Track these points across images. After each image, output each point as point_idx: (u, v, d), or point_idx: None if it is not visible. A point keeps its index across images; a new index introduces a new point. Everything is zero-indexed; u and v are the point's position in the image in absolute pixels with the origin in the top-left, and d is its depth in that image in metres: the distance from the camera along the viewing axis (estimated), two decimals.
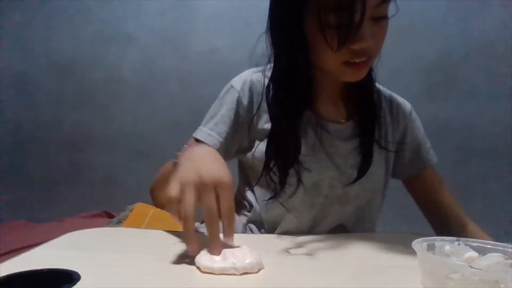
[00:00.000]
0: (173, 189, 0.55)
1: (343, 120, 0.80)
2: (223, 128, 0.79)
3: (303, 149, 0.75)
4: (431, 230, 0.87)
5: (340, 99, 0.81)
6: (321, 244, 0.67)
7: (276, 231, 0.80)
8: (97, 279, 0.49)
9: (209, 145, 0.75)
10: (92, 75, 2.15)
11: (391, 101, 0.86)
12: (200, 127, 0.81)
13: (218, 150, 0.73)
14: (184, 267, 0.55)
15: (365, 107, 0.79)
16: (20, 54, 2.18)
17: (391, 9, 0.69)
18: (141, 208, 1.64)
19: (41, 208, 2.12)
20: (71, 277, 0.41)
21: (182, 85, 2.09)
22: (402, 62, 1.98)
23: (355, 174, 0.77)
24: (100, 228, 0.87)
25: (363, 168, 0.77)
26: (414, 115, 0.89)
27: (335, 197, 0.78)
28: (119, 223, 1.58)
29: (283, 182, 0.75)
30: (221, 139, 0.78)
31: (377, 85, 0.85)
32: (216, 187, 0.54)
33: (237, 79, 0.82)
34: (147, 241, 0.71)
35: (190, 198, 0.53)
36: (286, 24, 0.70)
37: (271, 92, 0.77)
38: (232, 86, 0.81)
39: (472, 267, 0.42)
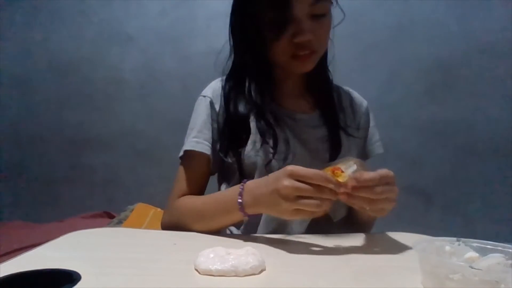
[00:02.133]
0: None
1: (309, 111, 0.87)
2: (208, 133, 0.83)
3: (272, 140, 0.80)
4: (431, 230, 0.87)
5: (303, 92, 0.89)
6: (322, 244, 0.67)
7: (259, 226, 0.82)
8: (98, 279, 0.49)
9: (200, 152, 0.81)
10: (92, 75, 2.15)
11: (350, 96, 0.94)
12: (185, 141, 0.84)
13: (209, 154, 0.81)
14: (184, 267, 0.55)
15: (327, 98, 0.88)
16: (21, 55, 2.18)
17: (339, 15, 0.81)
18: (142, 208, 1.64)
19: (42, 208, 2.12)
20: (72, 277, 0.41)
21: (182, 85, 2.09)
22: (402, 62, 1.98)
23: (328, 159, 0.82)
24: (101, 229, 0.87)
25: (334, 152, 0.83)
26: (369, 109, 0.96)
27: None
28: (119, 223, 1.58)
29: (240, 165, 0.80)
30: (209, 143, 0.82)
31: (335, 83, 0.94)
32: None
33: (206, 89, 0.89)
34: (147, 241, 0.71)
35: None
36: (244, 25, 0.79)
37: (227, 87, 0.85)
38: (203, 96, 0.87)
39: (472, 268, 0.42)
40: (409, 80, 1.98)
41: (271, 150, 0.79)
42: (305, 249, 0.65)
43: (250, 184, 0.70)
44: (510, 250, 0.48)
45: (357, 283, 0.50)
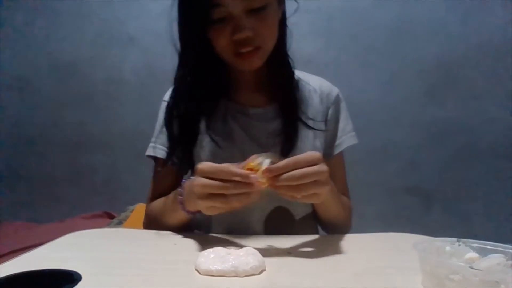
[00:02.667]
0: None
1: (265, 105, 0.84)
2: (163, 137, 0.84)
3: (221, 137, 0.80)
4: (431, 231, 0.87)
5: (260, 86, 0.85)
6: (321, 245, 0.68)
7: (212, 225, 0.82)
8: (98, 280, 0.50)
9: (156, 156, 0.84)
10: (93, 76, 2.15)
11: (320, 85, 0.89)
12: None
13: (166, 159, 0.81)
14: (184, 267, 0.55)
15: (284, 91, 0.83)
16: (21, 55, 2.18)
17: (291, 6, 0.77)
18: (142, 208, 1.64)
19: (42, 208, 2.12)
20: (72, 277, 0.41)
21: None
22: (402, 63, 1.98)
23: (279, 154, 0.79)
24: (101, 229, 0.87)
25: (286, 145, 0.79)
26: (340, 98, 0.90)
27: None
28: (119, 223, 1.58)
29: (189, 163, 0.81)
30: (164, 147, 0.84)
31: (302, 72, 0.90)
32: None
33: (167, 93, 0.89)
34: (147, 242, 0.71)
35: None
36: (187, 25, 0.77)
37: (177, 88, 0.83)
38: (163, 100, 0.88)
39: (472, 268, 0.42)
40: (409, 80, 1.98)
41: (218, 148, 0.80)
42: (305, 249, 0.65)
43: (186, 182, 0.71)
44: (510, 251, 0.48)
45: (357, 283, 0.50)
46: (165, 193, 0.83)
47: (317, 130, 0.84)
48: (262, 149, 0.79)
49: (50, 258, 0.61)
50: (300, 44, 1.94)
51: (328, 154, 0.87)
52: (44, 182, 2.17)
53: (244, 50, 0.72)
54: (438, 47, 1.97)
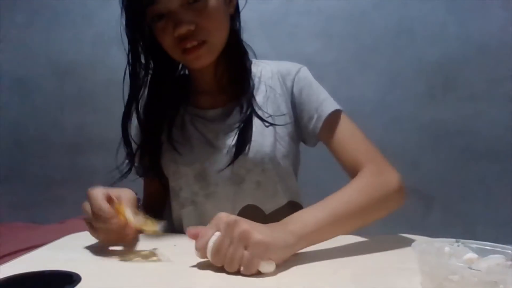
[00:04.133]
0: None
1: (226, 103, 0.82)
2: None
3: (180, 143, 0.80)
4: (431, 232, 0.87)
5: (221, 85, 0.82)
6: (320, 245, 0.68)
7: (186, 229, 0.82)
8: (98, 280, 0.50)
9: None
10: (93, 77, 2.15)
11: (279, 73, 0.84)
12: None
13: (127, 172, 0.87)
14: (184, 268, 0.55)
15: (238, 87, 0.80)
16: (21, 56, 2.18)
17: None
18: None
19: (42, 209, 2.12)
20: (72, 278, 0.41)
21: None
22: (402, 65, 1.98)
23: (232, 155, 0.78)
24: None
25: (240, 140, 0.77)
26: (301, 75, 0.84)
27: (226, 180, 0.79)
28: None
29: (153, 168, 0.83)
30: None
31: (263, 61, 0.87)
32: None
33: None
34: (147, 243, 0.71)
35: None
36: (137, 30, 0.76)
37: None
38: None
39: (471, 269, 0.42)
40: (409, 81, 1.98)
41: (177, 154, 0.80)
42: (304, 250, 0.65)
43: None
44: (510, 251, 0.48)
45: (356, 284, 0.51)
46: (154, 196, 0.90)
47: (273, 125, 0.79)
48: (219, 151, 0.79)
49: (49, 259, 0.61)
50: (300, 45, 1.96)
51: (313, 133, 0.81)
52: (44, 183, 2.17)
53: (189, 45, 0.70)
54: (438, 48, 1.97)
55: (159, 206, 0.92)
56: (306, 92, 0.82)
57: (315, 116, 0.80)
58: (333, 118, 0.80)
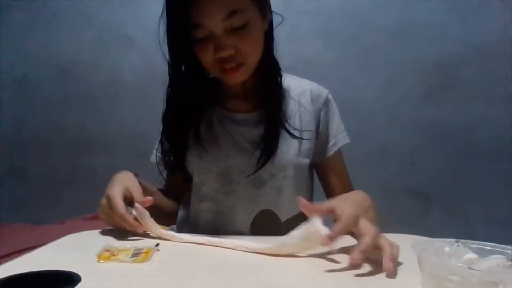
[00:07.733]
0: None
1: (252, 111, 0.86)
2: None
3: (207, 141, 0.84)
4: (430, 232, 0.87)
5: (248, 93, 0.86)
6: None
7: (200, 227, 0.86)
8: (98, 281, 0.50)
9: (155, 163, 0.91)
10: (93, 77, 2.16)
11: (311, 91, 0.90)
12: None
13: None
14: (184, 268, 0.55)
15: (269, 98, 0.85)
16: (21, 57, 2.18)
17: (277, 18, 0.80)
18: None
19: (42, 210, 2.12)
20: (72, 278, 0.41)
21: None
22: (402, 64, 1.99)
23: (256, 161, 0.82)
24: (101, 230, 0.87)
25: (267, 149, 0.81)
26: (330, 99, 0.91)
27: (248, 181, 0.82)
28: None
29: (178, 164, 0.86)
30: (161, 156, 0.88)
31: (292, 76, 0.92)
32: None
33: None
34: (147, 243, 0.71)
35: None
36: (175, 42, 0.78)
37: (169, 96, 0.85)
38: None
39: (471, 269, 0.42)
40: (408, 81, 1.98)
41: (205, 152, 0.83)
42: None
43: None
44: (510, 252, 0.48)
45: (356, 284, 0.51)
46: (174, 186, 0.94)
47: (299, 138, 0.84)
48: (245, 154, 0.82)
49: (49, 259, 0.61)
50: (300, 45, 1.96)
51: (323, 154, 0.89)
52: (44, 183, 2.17)
53: (228, 66, 0.75)
54: (437, 48, 1.97)
55: (177, 197, 0.96)
56: (331, 118, 0.90)
57: (332, 142, 0.89)
58: (341, 151, 0.92)
